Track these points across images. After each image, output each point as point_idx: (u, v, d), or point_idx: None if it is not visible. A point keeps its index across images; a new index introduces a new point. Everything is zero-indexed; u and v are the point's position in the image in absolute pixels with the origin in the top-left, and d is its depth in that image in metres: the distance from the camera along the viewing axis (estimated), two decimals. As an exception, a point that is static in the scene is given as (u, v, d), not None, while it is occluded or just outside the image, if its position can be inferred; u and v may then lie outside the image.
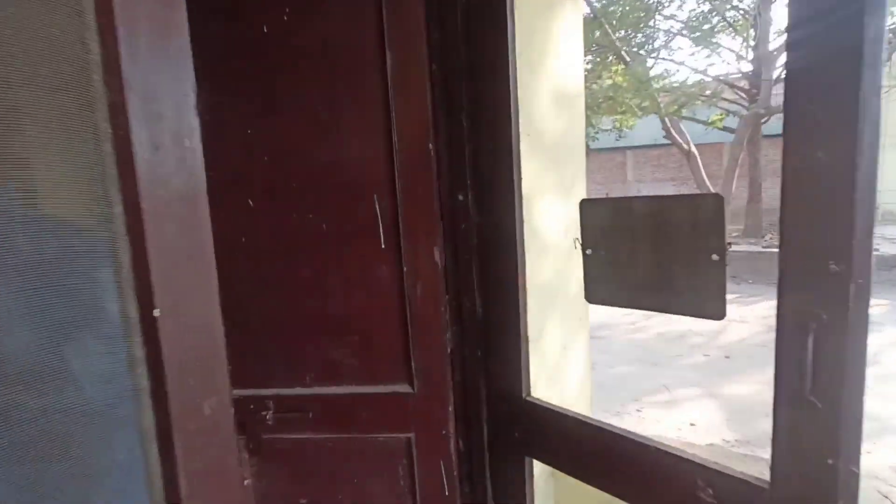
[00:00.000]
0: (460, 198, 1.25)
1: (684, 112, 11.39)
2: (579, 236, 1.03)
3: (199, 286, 0.59)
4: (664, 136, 11.64)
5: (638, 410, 4.95)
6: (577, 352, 1.74)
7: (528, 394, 1.19)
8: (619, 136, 13.54)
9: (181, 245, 0.57)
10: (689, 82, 11.71)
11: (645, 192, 15.81)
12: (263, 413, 1.38)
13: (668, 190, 16.03)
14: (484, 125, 1.19)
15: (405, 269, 1.28)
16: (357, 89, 1.24)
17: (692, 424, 4.57)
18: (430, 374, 1.33)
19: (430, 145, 1.23)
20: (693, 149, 11.33)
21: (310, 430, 1.39)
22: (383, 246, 1.28)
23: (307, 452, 1.41)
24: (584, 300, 1.53)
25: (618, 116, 12.04)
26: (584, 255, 1.03)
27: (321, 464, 1.41)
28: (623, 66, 11.12)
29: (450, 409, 1.34)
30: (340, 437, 1.39)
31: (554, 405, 1.12)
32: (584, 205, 1.04)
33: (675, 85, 11.40)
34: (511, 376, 1.22)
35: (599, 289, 1.02)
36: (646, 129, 14.01)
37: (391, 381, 1.35)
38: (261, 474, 1.45)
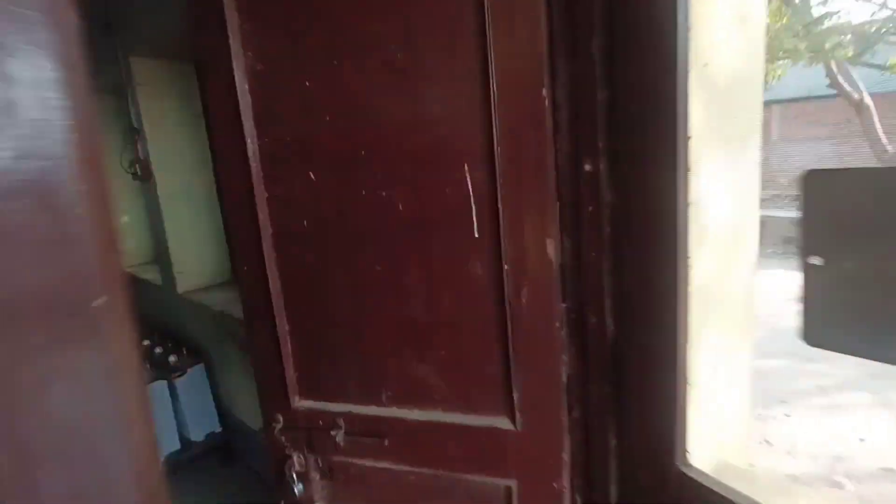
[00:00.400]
0: (587, 167, 0.86)
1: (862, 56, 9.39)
2: (798, 235, 0.61)
3: (71, 355, 0.30)
4: (828, 86, 9.74)
5: (786, 415, 4.18)
6: (737, 381, 1.29)
7: (685, 462, 0.80)
8: (765, 89, 11.59)
9: (19, 274, 0.28)
10: (865, 19, 9.60)
11: (796, 154, 13.52)
12: (333, 432, 1.14)
13: (826, 150, 13.50)
14: (627, 57, 0.79)
15: (506, 267, 0.93)
16: (442, 19, 0.89)
17: (861, 440, 3.75)
18: (538, 407, 0.98)
19: (545, 92, 0.85)
20: (867, 99, 9.38)
21: (387, 458, 1.12)
22: (477, 234, 0.94)
23: (384, 484, 1.15)
24: (748, 306, 1.08)
25: (770, 65, 10.26)
26: (807, 266, 0.60)
27: (400, 501, 1.15)
28: (781, 5, 9.38)
29: (564, 455, 0.99)
30: (423, 473, 1.10)
31: (734, 491, 0.73)
32: (812, 180, 0.60)
33: (845, 23, 9.41)
34: (657, 429, 0.83)
35: (834, 327, 0.59)
36: (796, 81, 11.85)
37: (486, 412, 1.02)
38: (333, 499, 1.22)
